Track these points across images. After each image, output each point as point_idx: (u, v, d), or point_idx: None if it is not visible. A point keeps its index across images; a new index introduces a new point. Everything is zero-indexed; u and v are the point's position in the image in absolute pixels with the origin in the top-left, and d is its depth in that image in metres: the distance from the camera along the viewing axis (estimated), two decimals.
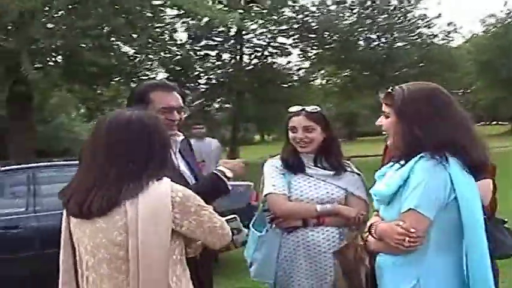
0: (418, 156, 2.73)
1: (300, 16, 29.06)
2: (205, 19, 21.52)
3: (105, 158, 2.59)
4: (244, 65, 29.96)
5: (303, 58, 31.58)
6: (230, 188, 3.66)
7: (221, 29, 27.69)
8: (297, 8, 28.54)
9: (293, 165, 3.88)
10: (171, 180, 2.62)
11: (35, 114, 21.51)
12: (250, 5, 27.59)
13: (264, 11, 28.07)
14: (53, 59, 20.12)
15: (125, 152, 2.59)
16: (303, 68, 32.13)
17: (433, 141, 2.72)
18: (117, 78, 23.03)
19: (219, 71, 29.16)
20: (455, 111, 2.83)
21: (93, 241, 2.59)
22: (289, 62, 31.83)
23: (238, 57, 29.74)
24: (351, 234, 3.49)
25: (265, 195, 3.84)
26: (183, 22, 26.91)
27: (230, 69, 28.94)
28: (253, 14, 27.78)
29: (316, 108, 3.87)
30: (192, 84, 28.77)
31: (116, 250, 2.54)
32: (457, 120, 2.80)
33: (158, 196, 2.53)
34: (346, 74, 35.05)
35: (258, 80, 28.86)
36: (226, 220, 2.92)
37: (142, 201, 2.51)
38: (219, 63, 29.46)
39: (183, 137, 3.83)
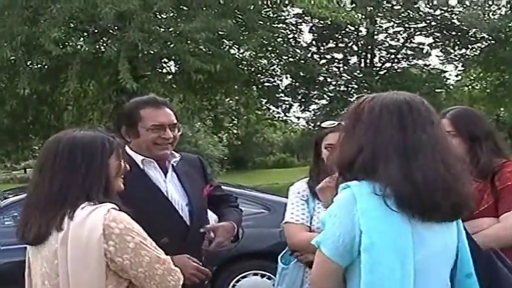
0: (344, 184, 2.36)
1: (438, 12, 26.08)
2: (329, 18, 19.25)
3: (36, 181, 2.63)
4: (375, 69, 27.71)
5: (444, 60, 28.47)
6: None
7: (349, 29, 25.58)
8: (434, 2, 25.63)
9: None
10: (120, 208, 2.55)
11: None
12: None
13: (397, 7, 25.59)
14: (158, 66, 18.99)
15: (50, 176, 2.57)
16: (444, 72, 29.03)
17: (372, 165, 2.31)
18: (236, 86, 21.24)
19: (346, 77, 26.94)
20: (429, 132, 2.36)
21: (41, 271, 2.56)
22: (427, 65, 28.78)
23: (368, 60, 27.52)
24: None
25: (283, 224, 3.74)
26: (306, 22, 25.09)
27: (360, 75, 26.61)
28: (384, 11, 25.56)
29: None
30: (317, 92, 26.61)
31: (57, 281, 2.48)
32: (428, 143, 2.35)
33: (90, 227, 2.44)
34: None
35: (391, 86, 26.19)
36: None
37: (72, 233, 2.45)
38: (346, 67, 27.26)
39: (179, 158, 3.66)
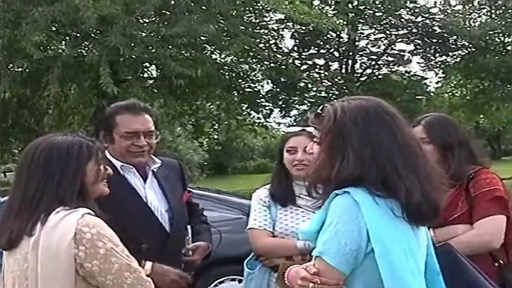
0: (342, 190, 2.29)
1: (419, 19, 26.06)
2: (311, 24, 19.25)
3: (14, 186, 2.62)
4: (356, 75, 27.61)
5: (425, 67, 28.43)
6: None
7: (331, 35, 25.49)
8: (416, 10, 25.60)
9: (281, 195, 3.77)
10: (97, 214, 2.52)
11: None
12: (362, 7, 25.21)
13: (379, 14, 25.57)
14: (139, 71, 18.89)
15: (26, 180, 2.56)
16: (424, 78, 29.03)
17: (356, 176, 2.28)
18: (217, 91, 21.11)
19: (327, 83, 26.83)
20: (400, 139, 2.34)
21: (12, 275, 2.54)
22: (408, 72, 28.82)
23: (349, 67, 27.38)
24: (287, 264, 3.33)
25: (247, 230, 3.81)
26: (288, 28, 25.05)
27: (341, 81, 26.51)
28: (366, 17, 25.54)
29: None
30: (298, 98, 26.51)
31: (27, 284, 2.46)
32: (399, 149, 2.31)
33: (62, 232, 2.42)
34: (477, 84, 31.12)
35: (372, 93, 26.16)
36: None
37: (43, 238, 2.43)
38: (327, 73, 27.12)
39: (160, 164, 3.61)
